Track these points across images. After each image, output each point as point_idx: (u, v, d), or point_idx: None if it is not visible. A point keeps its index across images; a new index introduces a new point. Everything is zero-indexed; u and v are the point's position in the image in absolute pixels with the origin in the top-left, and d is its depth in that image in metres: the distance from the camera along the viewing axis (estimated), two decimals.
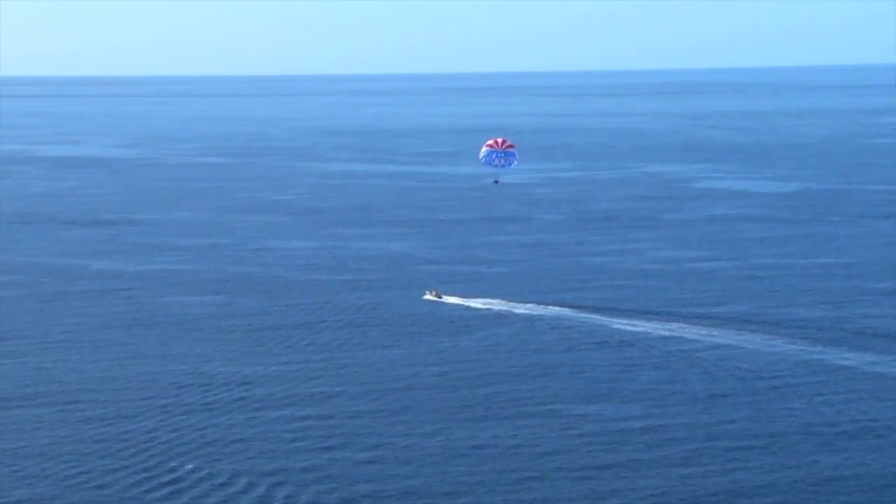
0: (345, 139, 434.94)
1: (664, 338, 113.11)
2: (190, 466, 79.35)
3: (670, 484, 76.18)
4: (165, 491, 75.57)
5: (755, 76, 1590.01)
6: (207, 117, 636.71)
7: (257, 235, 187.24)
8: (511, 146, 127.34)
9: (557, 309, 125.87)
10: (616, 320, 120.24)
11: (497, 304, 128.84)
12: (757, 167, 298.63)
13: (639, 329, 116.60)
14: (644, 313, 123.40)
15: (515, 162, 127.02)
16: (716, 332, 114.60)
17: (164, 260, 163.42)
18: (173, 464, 79.96)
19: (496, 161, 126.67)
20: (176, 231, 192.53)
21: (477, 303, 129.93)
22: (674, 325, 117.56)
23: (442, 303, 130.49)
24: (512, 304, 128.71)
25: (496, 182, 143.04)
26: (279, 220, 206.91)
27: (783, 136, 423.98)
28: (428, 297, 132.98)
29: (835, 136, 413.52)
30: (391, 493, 75.11)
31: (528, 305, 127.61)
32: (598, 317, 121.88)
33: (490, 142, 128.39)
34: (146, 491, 75.53)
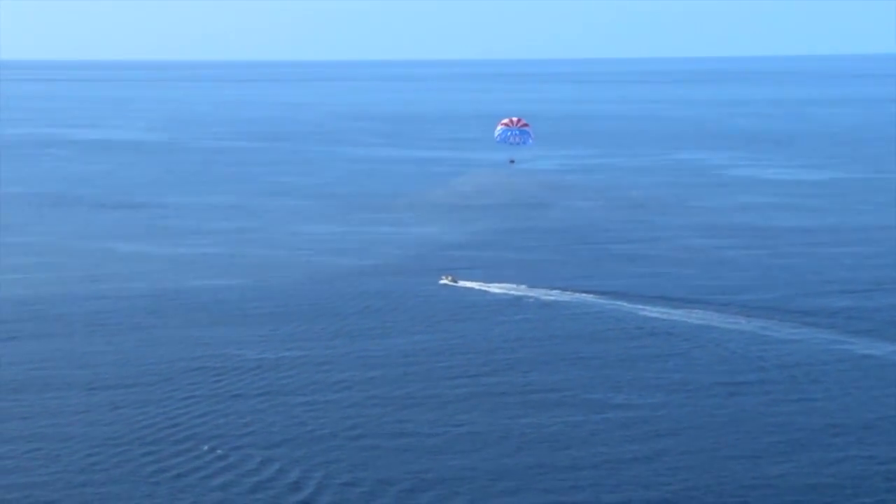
0: (372, 124, 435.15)
1: (689, 325, 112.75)
2: (220, 451, 79.70)
3: (694, 473, 76.05)
4: (196, 476, 75.88)
5: (789, 64, 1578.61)
6: (237, 101, 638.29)
7: (284, 220, 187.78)
8: (526, 125, 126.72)
9: (580, 295, 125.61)
10: (640, 307, 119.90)
11: (515, 290, 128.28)
12: (786, 155, 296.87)
13: (663, 316, 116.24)
14: (669, 300, 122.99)
15: (531, 140, 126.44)
16: (742, 321, 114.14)
17: (191, 243, 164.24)
18: (205, 447, 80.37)
19: (512, 139, 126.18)
20: (204, 215, 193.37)
21: (493, 288, 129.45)
22: (699, 313, 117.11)
23: (459, 288, 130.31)
24: (533, 289, 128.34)
25: (512, 161, 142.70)
26: (305, 204, 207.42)
27: (814, 124, 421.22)
28: (444, 281, 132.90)
29: (866, 125, 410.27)
30: (423, 478, 75.35)
31: (553, 292, 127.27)
32: (622, 303, 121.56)
33: (505, 120, 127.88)
34: (178, 476, 75.87)
